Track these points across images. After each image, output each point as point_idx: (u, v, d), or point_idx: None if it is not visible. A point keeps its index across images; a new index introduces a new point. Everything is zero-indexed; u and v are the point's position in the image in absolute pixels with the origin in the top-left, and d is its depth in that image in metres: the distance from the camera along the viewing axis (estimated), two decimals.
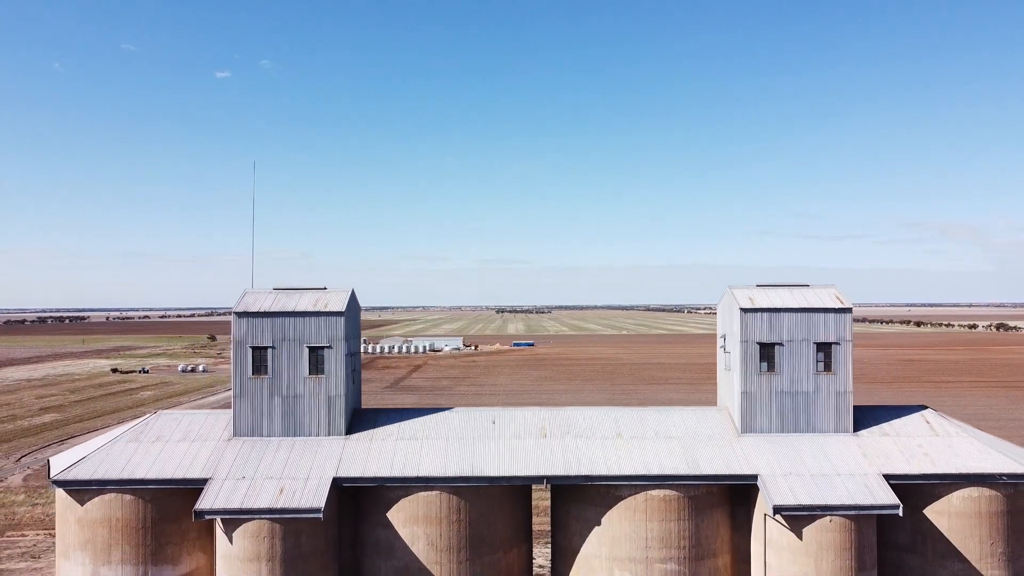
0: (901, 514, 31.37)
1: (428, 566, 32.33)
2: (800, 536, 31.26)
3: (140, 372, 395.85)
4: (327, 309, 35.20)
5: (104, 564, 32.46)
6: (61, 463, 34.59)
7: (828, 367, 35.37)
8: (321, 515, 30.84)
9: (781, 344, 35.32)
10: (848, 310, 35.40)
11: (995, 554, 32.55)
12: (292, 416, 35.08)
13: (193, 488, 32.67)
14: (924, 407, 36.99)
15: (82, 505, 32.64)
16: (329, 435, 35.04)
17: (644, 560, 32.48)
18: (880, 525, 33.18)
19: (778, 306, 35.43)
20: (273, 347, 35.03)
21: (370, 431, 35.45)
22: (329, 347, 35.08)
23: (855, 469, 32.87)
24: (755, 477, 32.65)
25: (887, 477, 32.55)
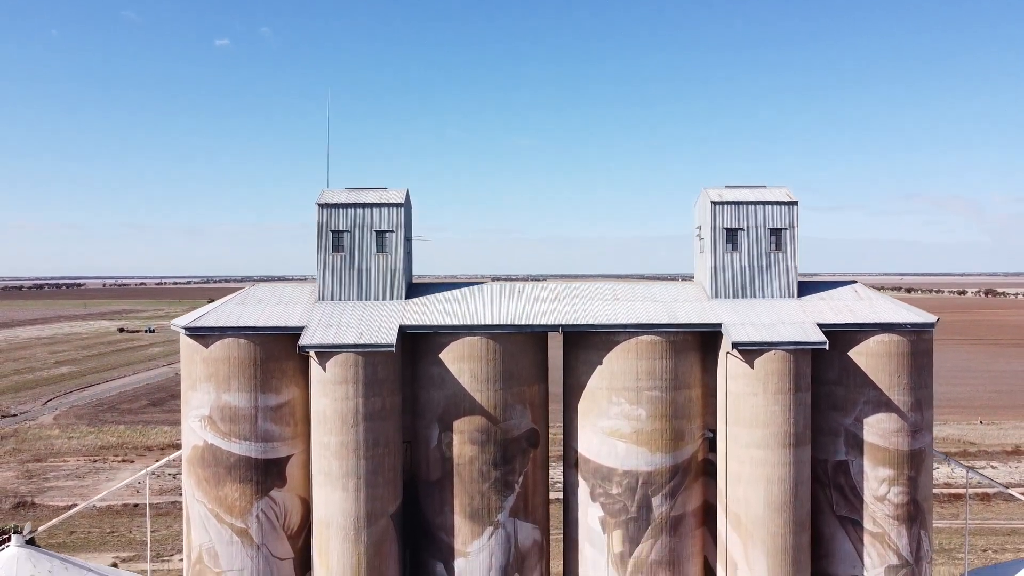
0: (828, 348, 41.75)
1: (471, 393, 42.63)
2: (752, 366, 41.64)
3: (146, 332, 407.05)
4: (390, 201, 45.16)
5: (225, 392, 42.66)
6: (182, 321, 44.56)
7: (779, 247, 45.58)
8: (393, 348, 41.03)
9: (743, 229, 45.44)
10: (795, 203, 45.48)
11: (900, 384, 43.01)
12: (363, 284, 45.19)
13: (291, 334, 42.73)
14: (855, 282, 47.29)
15: (207, 347, 42.75)
16: (392, 299, 45.18)
17: (635, 389, 42.86)
18: (815, 364, 43.48)
19: (741, 200, 45.50)
20: (348, 231, 45.00)
21: (423, 297, 45.61)
22: (392, 231, 45.07)
23: (796, 319, 43.22)
24: (720, 325, 42.93)
25: (820, 325, 42.86)
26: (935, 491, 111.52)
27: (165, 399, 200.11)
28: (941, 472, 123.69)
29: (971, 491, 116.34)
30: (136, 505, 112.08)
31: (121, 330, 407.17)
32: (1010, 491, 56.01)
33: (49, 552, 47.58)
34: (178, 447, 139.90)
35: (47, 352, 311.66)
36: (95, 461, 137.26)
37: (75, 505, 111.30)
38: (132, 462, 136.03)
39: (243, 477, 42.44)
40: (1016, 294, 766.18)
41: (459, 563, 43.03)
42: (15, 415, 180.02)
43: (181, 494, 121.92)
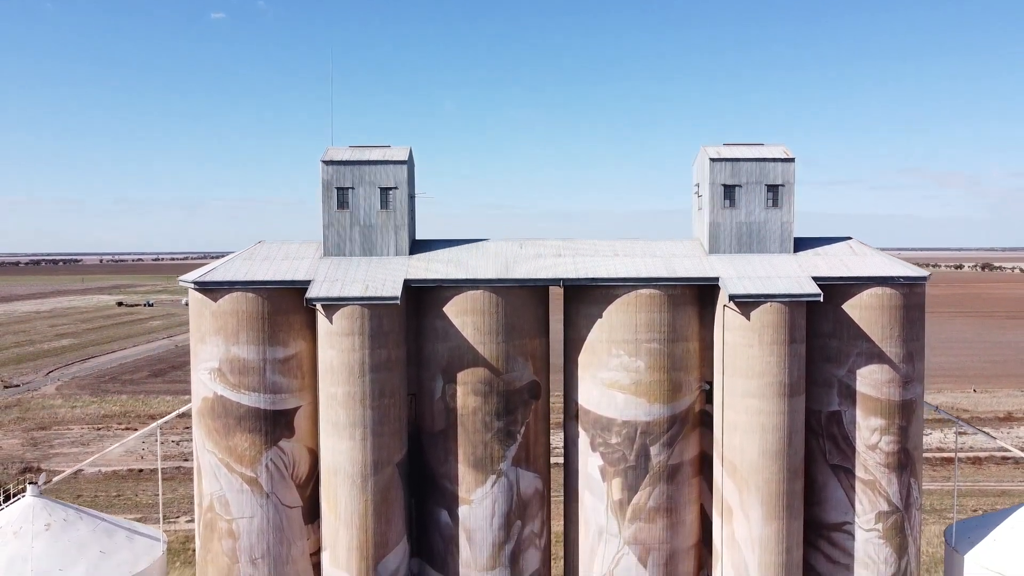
0: (822, 301, 42.82)
1: (474, 345, 43.68)
2: (748, 318, 42.70)
3: (145, 306, 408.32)
4: (394, 159, 45.91)
5: (234, 345, 43.65)
6: (191, 276, 45.43)
7: (775, 203, 46.47)
8: (398, 301, 42.00)
9: (740, 186, 46.30)
10: (792, 160, 46.30)
11: (893, 336, 44.14)
12: (368, 240, 46.07)
13: (298, 288, 43.65)
14: (850, 238, 48.28)
15: (215, 301, 43.66)
16: (396, 255, 46.08)
17: (634, 341, 43.94)
18: (809, 317, 44.51)
19: (738, 157, 46.31)
20: (353, 188, 45.80)
21: (428, 253, 46.55)
22: (395, 188, 45.88)
23: (791, 273, 44.24)
24: (717, 279, 43.93)
25: (815, 279, 43.87)
26: (927, 455, 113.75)
27: (166, 370, 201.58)
28: (933, 437, 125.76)
29: (963, 455, 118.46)
30: (141, 470, 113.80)
31: (120, 304, 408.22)
32: (1005, 449, 57.37)
33: (64, 502, 48.89)
34: (182, 415, 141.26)
35: (47, 325, 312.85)
36: (99, 429, 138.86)
37: (80, 471, 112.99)
38: (135, 430, 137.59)
39: (252, 428, 43.59)
40: (1013, 268, 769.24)
41: (463, 510, 44.37)
42: (17, 385, 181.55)
43: (185, 459, 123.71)
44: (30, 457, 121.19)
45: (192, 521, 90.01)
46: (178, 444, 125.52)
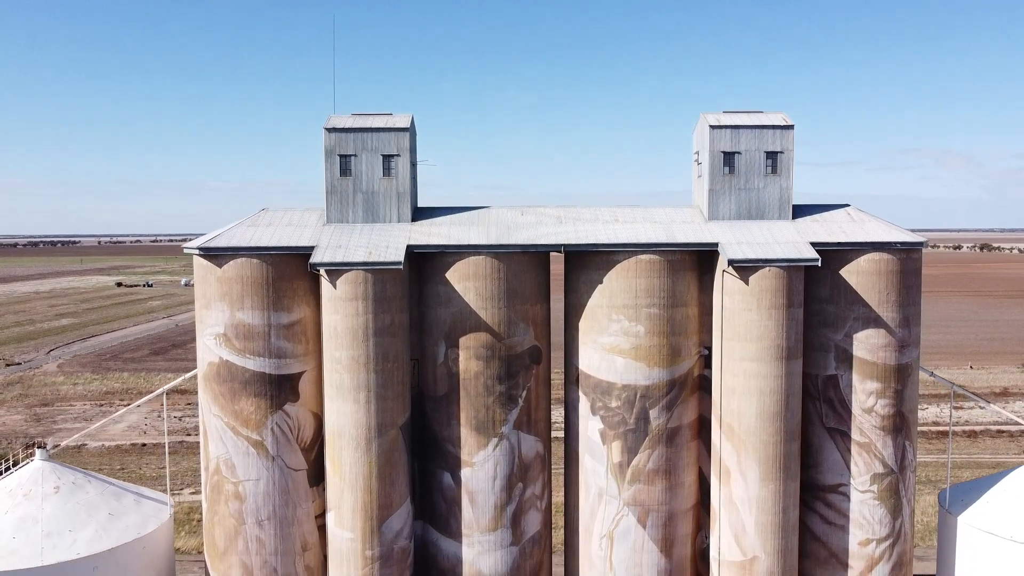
0: (820, 266, 43.33)
1: (476, 310, 44.22)
2: (747, 283, 43.22)
3: (144, 286, 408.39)
4: (396, 126, 46.20)
5: (239, 310, 44.15)
6: (196, 242, 45.85)
7: (775, 170, 46.86)
8: (401, 266, 42.48)
9: (740, 153, 46.65)
10: (791, 127, 46.62)
11: (889, 301, 44.71)
12: (370, 207, 46.46)
13: (302, 254, 44.10)
14: (848, 205, 48.69)
15: (220, 267, 44.11)
16: (399, 222, 46.50)
17: (634, 306, 44.49)
18: (807, 283, 45.05)
19: (738, 124, 46.62)
20: (355, 155, 46.12)
21: (430, 219, 46.95)
22: (398, 155, 46.20)
23: (790, 239, 44.71)
24: (716, 244, 44.40)
25: (813, 244, 44.35)
26: (923, 429, 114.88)
27: (167, 348, 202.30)
28: (930, 412, 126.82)
29: (959, 428, 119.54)
30: (144, 444, 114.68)
31: (119, 284, 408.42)
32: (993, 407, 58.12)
33: (72, 467, 49.62)
34: (183, 391, 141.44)
35: (46, 305, 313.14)
36: (101, 405, 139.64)
37: (85, 445, 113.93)
38: (138, 407, 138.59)
39: (258, 392, 44.21)
40: (1011, 248, 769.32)
41: (465, 472, 45.11)
42: (19, 363, 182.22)
43: (188, 434, 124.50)
44: (34, 432, 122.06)
45: (196, 493, 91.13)
46: (180, 420, 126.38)
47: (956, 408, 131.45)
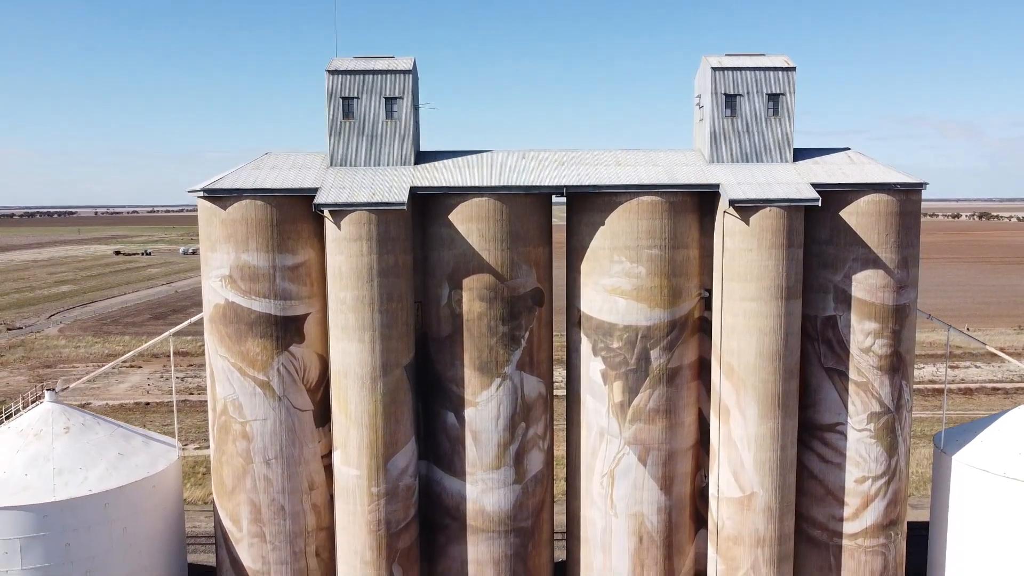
0: (820, 207, 43.69)
1: (479, 252, 44.62)
2: (748, 223, 43.61)
3: (143, 254, 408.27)
4: (398, 68, 46.22)
5: (244, 252, 44.52)
6: (199, 186, 46.06)
7: (776, 113, 47.03)
8: (404, 207, 42.79)
9: (741, 95, 46.77)
10: (793, 69, 46.69)
11: (888, 242, 45.15)
12: (373, 150, 46.65)
13: (306, 196, 44.35)
14: (848, 148, 48.93)
15: (224, 209, 44.38)
16: (402, 164, 46.72)
17: (636, 248, 44.91)
18: (807, 225, 45.41)
19: (740, 66, 46.68)
20: (357, 97, 46.19)
21: (433, 163, 47.19)
22: (401, 97, 46.28)
23: (790, 180, 45.02)
24: (717, 185, 44.71)
25: (814, 185, 44.68)
26: (919, 387, 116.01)
27: (167, 313, 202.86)
28: (925, 371, 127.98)
29: (954, 386, 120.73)
30: (148, 403, 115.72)
31: (118, 253, 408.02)
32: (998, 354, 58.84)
33: (81, 409, 50.32)
34: (185, 353, 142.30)
35: (45, 273, 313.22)
36: (103, 367, 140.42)
37: (89, 403, 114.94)
38: (140, 367, 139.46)
39: (264, 333, 44.75)
40: (1010, 217, 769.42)
41: (468, 412, 45.85)
42: (20, 328, 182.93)
43: (191, 393, 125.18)
44: (38, 394, 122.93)
45: (200, 447, 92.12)
46: (183, 380, 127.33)
47: (952, 368, 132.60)
